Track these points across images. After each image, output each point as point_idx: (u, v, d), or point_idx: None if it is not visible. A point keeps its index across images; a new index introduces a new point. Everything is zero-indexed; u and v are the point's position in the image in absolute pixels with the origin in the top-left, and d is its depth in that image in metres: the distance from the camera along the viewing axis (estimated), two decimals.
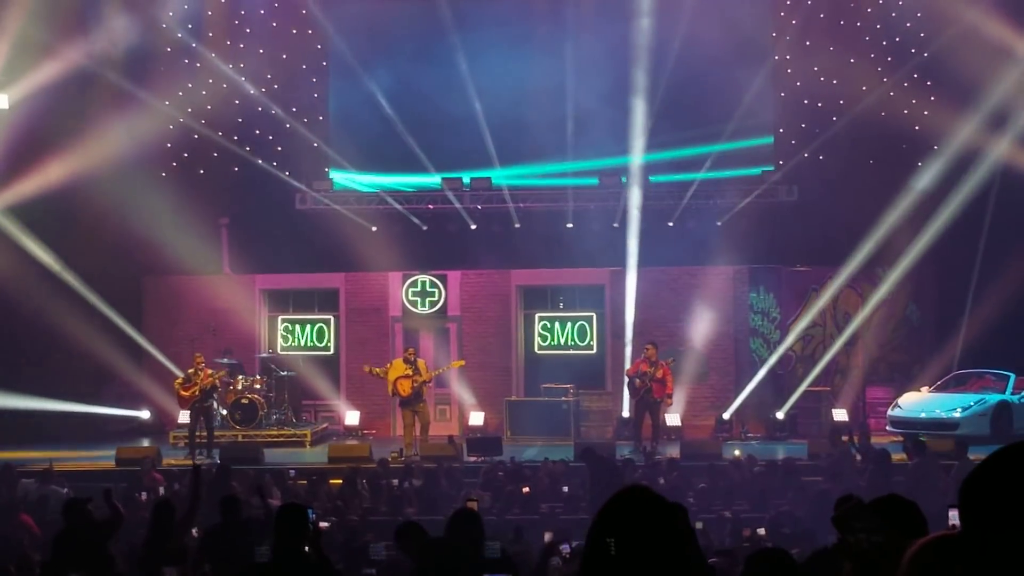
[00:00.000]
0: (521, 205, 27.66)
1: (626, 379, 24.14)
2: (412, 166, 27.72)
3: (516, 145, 27.46)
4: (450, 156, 27.49)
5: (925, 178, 25.80)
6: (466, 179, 27.70)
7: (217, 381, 23.85)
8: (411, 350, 23.97)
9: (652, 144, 26.59)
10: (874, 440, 20.78)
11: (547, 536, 12.65)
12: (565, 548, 10.81)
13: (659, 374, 23.30)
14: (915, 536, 4.65)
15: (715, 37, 25.92)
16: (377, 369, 23.72)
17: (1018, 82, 24.99)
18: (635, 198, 26.51)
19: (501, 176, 27.58)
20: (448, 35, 26.92)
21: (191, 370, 23.70)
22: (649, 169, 26.83)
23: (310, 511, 8.62)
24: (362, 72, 27.31)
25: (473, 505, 10.27)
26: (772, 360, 26.44)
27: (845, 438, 19.99)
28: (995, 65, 24.95)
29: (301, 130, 27.84)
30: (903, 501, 4.79)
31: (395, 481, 19.00)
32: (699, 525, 14.98)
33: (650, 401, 23.36)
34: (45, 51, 25.19)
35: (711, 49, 25.97)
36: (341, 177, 28.34)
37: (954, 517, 4.88)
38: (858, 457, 18.99)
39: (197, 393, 23.36)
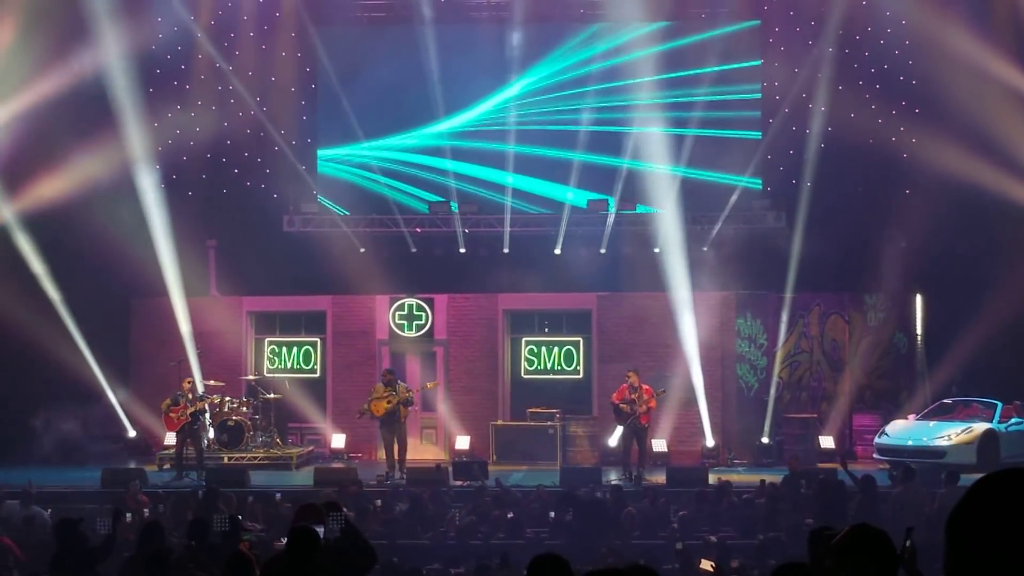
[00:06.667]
0: (509, 230, 27.68)
1: (612, 406, 23.97)
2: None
3: None
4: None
5: None
6: (454, 206, 27.87)
7: (206, 405, 23.88)
8: (386, 372, 24.17)
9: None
10: (861, 467, 20.75)
11: None
12: None
13: (645, 399, 23.21)
14: (886, 565, 4.65)
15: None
16: (365, 406, 23.79)
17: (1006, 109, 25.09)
18: None
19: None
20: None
21: (178, 392, 23.72)
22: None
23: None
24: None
25: None
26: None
27: (837, 465, 19.94)
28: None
29: (289, 152, 27.94)
30: (872, 530, 4.79)
31: (378, 502, 19.04)
32: (679, 546, 15.03)
33: (637, 427, 23.31)
34: (34, 72, 25.21)
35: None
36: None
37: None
38: (847, 482, 18.92)
39: (187, 417, 23.39)
